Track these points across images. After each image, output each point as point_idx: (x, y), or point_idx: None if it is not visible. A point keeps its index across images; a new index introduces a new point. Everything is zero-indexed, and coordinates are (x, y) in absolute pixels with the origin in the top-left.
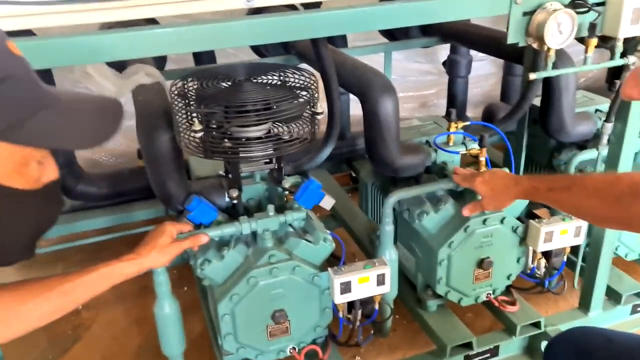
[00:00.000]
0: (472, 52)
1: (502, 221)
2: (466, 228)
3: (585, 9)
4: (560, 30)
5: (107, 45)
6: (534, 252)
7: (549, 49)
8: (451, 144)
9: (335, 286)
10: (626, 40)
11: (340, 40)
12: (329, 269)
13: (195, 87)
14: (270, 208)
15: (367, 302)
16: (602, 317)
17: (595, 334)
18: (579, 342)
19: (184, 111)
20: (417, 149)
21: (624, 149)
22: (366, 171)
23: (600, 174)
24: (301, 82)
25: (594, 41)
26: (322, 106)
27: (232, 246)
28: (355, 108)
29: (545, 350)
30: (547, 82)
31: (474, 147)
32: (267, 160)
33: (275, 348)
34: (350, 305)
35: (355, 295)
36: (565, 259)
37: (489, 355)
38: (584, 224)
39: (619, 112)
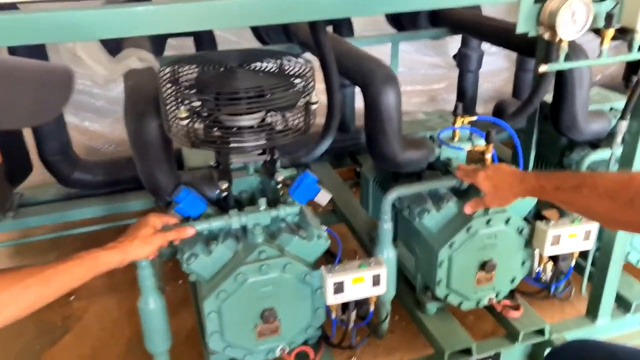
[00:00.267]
0: (484, 46)
1: (507, 222)
2: (469, 228)
3: None
4: (574, 19)
5: (87, 22)
6: (540, 255)
7: (561, 40)
8: (457, 139)
9: (328, 286)
10: None
11: (346, 30)
12: (322, 267)
13: (185, 72)
14: (262, 202)
15: (362, 303)
16: (610, 325)
17: (597, 347)
18: (579, 356)
19: (172, 97)
20: (420, 144)
21: None
22: (368, 166)
23: (612, 173)
24: (296, 69)
25: (610, 32)
26: (319, 97)
27: (220, 241)
28: (360, 100)
29: None
30: (560, 77)
31: (480, 143)
32: (260, 152)
33: (264, 348)
34: (345, 305)
35: (349, 296)
36: (573, 263)
37: None
38: (593, 228)
39: (635, 110)
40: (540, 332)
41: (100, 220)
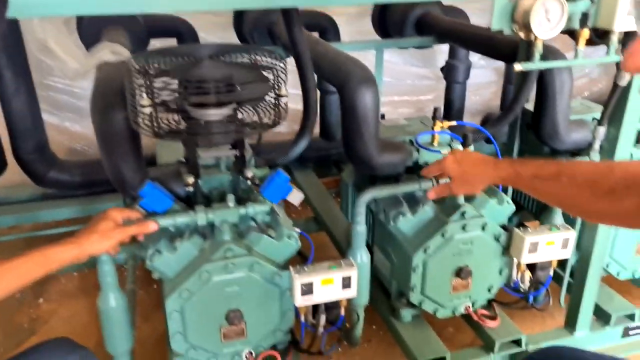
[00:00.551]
0: (472, 59)
1: (483, 228)
2: (444, 233)
3: None
4: (548, 18)
5: None
6: (518, 263)
7: (536, 38)
8: (435, 143)
9: (296, 287)
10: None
11: (333, 36)
12: (290, 267)
13: (155, 63)
14: (231, 198)
15: (332, 307)
16: (589, 338)
17: (572, 354)
18: None
19: (137, 85)
20: (397, 147)
21: (617, 157)
22: (348, 171)
23: (591, 162)
24: (267, 63)
25: (585, 32)
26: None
27: (186, 237)
28: None
29: None
30: (541, 85)
31: (458, 147)
32: (230, 147)
33: (229, 352)
34: (315, 309)
35: (318, 298)
36: (551, 273)
37: None
38: (571, 236)
39: (613, 116)
40: (517, 343)
41: (76, 222)
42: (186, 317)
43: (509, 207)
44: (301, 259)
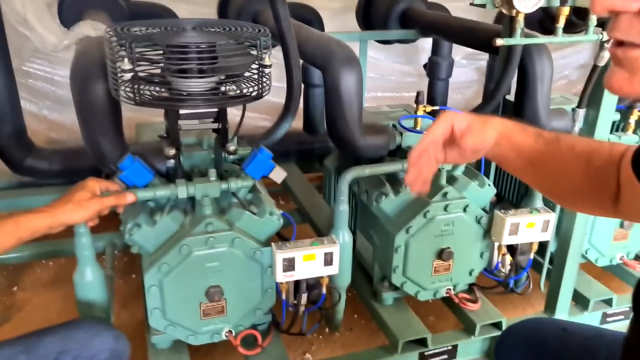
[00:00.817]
0: (455, 58)
1: (465, 209)
2: (426, 213)
3: None
4: None
5: None
6: (499, 247)
7: (517, 13)
8: (418, 128)
9: (277, 262)
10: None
11: (317, 28)
12: (272, 244)
13: (136, 31)
14: (212, 172)
15: (313, 286)
16: None
17: (549, 323)
18: (532, 332)
19: (118, 51)
20: (380, 130)
21: (596, 138)
22: (331, 159)
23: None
24: (251, 34)
25: (565, 10)
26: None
27: (166, 212)
28: None
29: (497, 342)
30: (522, 73)
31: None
32: (212, 119)
33: (209, 329)
34: (296, 289)
35: (300, 274)
36: (531, 256)
37: (446, 357)
38: (552, 218)
39: (592, 98)
40: (498, 326)
41: None
42: (165, 293)
43: (490, 190)
44: (280, 239)
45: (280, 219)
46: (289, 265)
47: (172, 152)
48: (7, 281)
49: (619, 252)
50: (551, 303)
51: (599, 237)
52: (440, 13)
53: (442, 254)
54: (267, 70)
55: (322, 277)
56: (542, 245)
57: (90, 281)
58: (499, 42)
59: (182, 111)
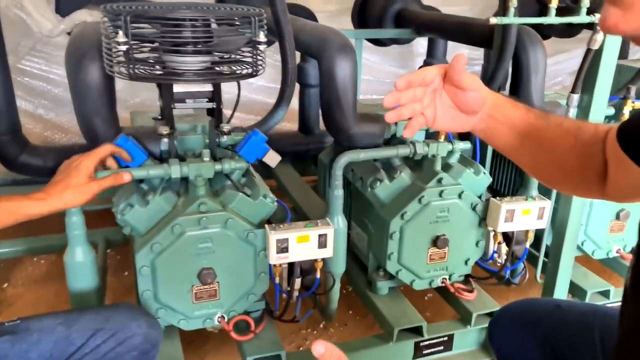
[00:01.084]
0: (449, 59)
1: (460, 195)
2: (421, 199)
3: None
4: None
5: None
6: (495, 235)
7: None
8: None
9: (271, 244)
10: None
11: None
12: (265, 225)
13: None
14: (206, 153)
15: (307, 272)
16: None
17: (543, 301)
18: (525, 311)
19: (112, 26)
20: (375, 118)
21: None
22: (325, 152)
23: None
24: (245, 12)
25: None
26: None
27: (159, 192)
28: None
29: (490, 322)
30: (516, 64)
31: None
32: (207, 99)
33: (201, 314)
34: (290, 274)
35: (294, 256)
36: (527, 245)
37: (442, 348)
38: (547, 205)
39: (586, 83)
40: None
41: None
42: (157, 274)
43: (486, 179)
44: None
45: (274, 202)
46: (283, 246)
47: (166, 130)
48: None
49: (615, 245)
50: (547, 295)
51: (595, 228)
52: (434, 12)
53: (437, 241)
54: (261, 47)
55: (316, 260)
56: (538, 238)
57: (80, 261)
58: (493, 20)
59: (176, 90)
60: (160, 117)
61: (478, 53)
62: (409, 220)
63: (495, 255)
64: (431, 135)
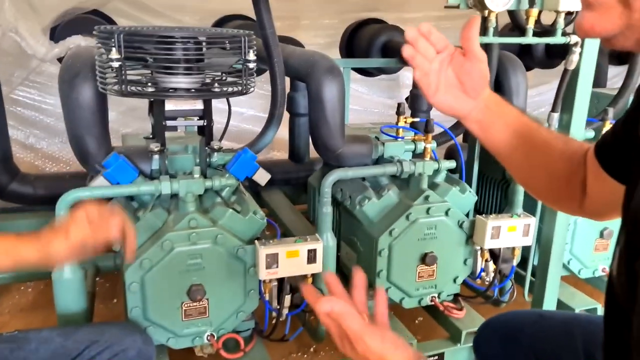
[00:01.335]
0: None
1: (447, 213)
2: (408, 215)
3: None
4: None
5: None
6: (482, 252)
7: (490, 12)
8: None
9: (260, 258)
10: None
11: None
12: (255, 240)
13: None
14: (196, 170)
15: (297, 289)
16: None
17: (525, 312)
18: (508, 322)
19: (105, 44)
20: (363, 139)
21: None
22: (314, 176)
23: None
24: (234, 33)
25: (535, 11)
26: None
27: (149, 209)
28: None
29: (475, 336)
30: (498, 87)
31: (420, 134)
32: (198, 117)
33: (190, 332)
34: (280, 292)
35: (283, 271)
36: (515, 264)
37: None
38: (532, 222)
39: (565, 102)
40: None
41: None
42: (146, 290)
43: (472, 197)
44: None
45: (264, 218)
46: (272, 261)
47: (157, 147)
48: None
49: (600, 264)
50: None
51: (580, 247)
52: None
53: (425, 258)
54: (251, 65)
55: (305, 276)
56: (524, 259)
57: (69, 279)
58: None
59: (167, 107)
60: (151, 137)
61: None
62: (397, 237)
63: (483, 273)
64: (418, 155)
